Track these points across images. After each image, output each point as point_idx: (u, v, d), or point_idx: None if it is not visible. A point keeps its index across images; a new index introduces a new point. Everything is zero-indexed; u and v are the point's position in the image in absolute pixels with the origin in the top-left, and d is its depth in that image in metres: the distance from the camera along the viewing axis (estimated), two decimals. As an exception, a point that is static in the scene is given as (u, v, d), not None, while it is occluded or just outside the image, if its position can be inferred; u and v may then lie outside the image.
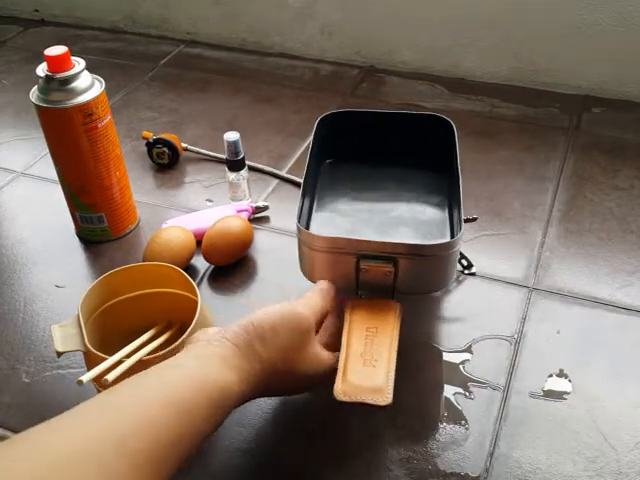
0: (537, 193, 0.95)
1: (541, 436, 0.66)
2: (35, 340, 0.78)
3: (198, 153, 1.06)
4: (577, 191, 0.96)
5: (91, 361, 0.63)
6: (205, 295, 0.82)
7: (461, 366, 0.73)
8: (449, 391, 0.70)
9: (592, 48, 1.12)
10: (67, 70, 0.79)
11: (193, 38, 1.41)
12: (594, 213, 0.92)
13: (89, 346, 0.63)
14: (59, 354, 0.64)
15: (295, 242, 0.70)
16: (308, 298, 0.63)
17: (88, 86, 0.81)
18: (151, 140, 1.02)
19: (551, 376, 0.71)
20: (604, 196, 0.95)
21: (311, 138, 0.81)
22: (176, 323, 0.74)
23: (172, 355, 0.60)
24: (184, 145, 1.06)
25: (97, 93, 0.81)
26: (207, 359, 0.52)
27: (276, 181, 1.01)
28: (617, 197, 0.94)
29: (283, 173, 1.01)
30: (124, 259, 0.88)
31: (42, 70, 0.80)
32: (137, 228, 0.93)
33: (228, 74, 1.29)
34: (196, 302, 0.68)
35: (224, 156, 0.93)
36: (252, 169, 1.01)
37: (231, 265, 0.86)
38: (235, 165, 0.92)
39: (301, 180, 0.76)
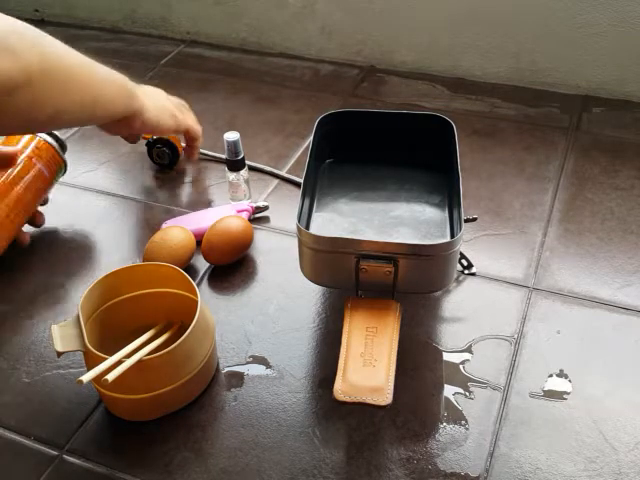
0: (537, 193, 0.95)
1: (541, 436, 0.66)
2: (35, 340, 0.78)
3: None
4: (577, 191, 0.96)
5: (91, 361, 0.63)
6: (205, 295, 0.82)
7: (461, 366, 0.73)
8: (449, 391, 0.70)
9: (592, 48, 1.12)
10: None
11: (193, 38, 1.40)
12: (594, 213, 0.92)
13: (89, 346, 0.63)
14: (59, 354, 0.64)
15: (295, 242, 0.70)
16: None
17: None
18: (151, 140, 1.02)
19: (551, 376, 0.71)
20: (604, 196, 0.94)
21: (311, 138, 0.81)
22: (176, 323, 0.74)
23: (172, 355, 0.60)
24: (184, 145, 1.05)
25: None
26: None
27: (276, 181, 1.01)
28: (617, 197, 0.94)
29: (283, 173, 1.01)
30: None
31: None
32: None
33: (228, 74, 1.29)
34: (196, 302, 0.68)
35: (224, 156, 0.93)
36: (252, 169, 1.01)
37: (231, 265, 0.86)
38: (235, 165, 0.92)
39: (301, 180, 0.76)
